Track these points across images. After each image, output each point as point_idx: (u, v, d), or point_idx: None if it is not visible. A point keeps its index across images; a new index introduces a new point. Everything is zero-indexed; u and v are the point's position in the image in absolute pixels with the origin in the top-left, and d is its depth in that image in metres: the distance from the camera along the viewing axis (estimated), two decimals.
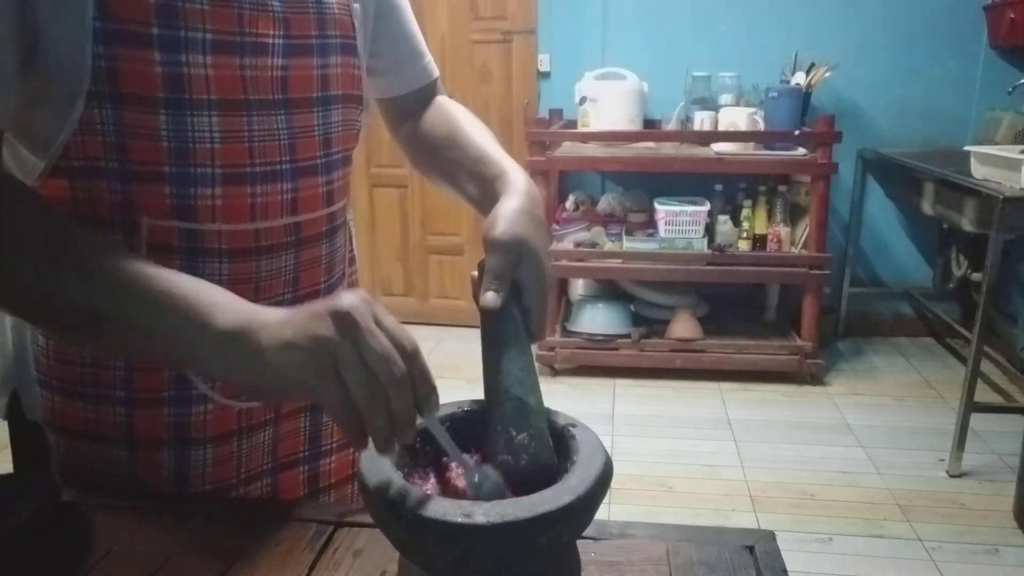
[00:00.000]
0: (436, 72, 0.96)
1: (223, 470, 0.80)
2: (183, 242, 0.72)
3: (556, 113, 3.35)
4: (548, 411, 0.64)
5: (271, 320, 0.58)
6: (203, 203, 0.71)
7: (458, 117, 0.92)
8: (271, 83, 0.73)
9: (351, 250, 0.92)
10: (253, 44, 0.71)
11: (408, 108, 0.94)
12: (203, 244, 0.73)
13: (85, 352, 0.75)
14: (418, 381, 0.55)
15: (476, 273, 0.65)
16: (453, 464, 0.62)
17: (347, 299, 0.55)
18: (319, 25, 0.75)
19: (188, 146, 0.69)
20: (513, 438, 0.60)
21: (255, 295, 0.75)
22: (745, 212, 3.08)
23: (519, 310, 0.65)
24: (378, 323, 0.55)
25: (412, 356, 0.55)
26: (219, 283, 0.69)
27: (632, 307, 3.34)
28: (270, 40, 0.72)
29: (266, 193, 0.75)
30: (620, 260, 3.10)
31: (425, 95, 0.95)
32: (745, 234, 3.09)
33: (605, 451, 0.60)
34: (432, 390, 0.56)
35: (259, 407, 0.81)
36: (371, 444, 0.56)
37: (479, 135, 0.87)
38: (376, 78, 0.91)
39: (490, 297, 0.62)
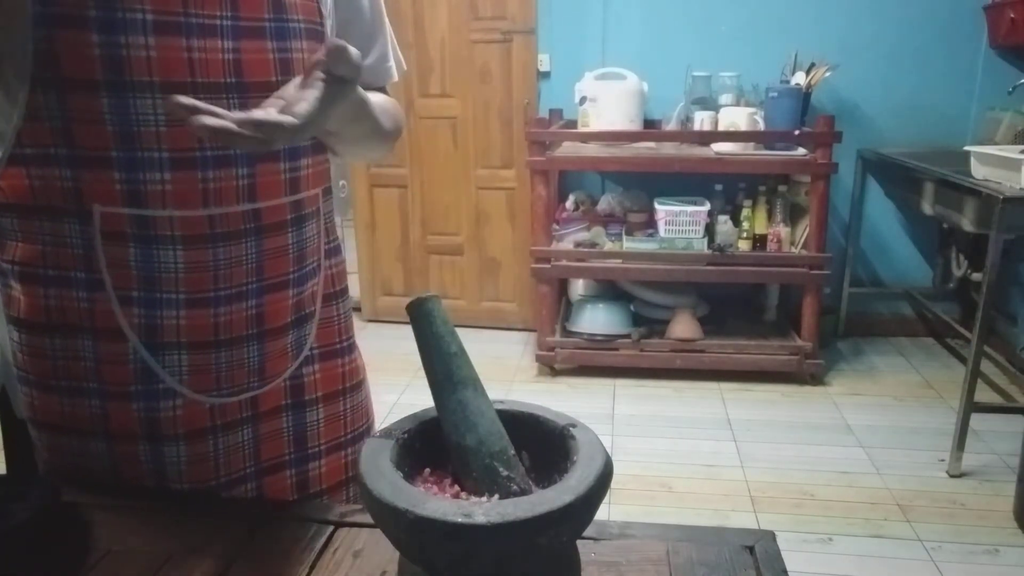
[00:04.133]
0: (395, 76, 0.94)
1: (200, 470, 0.79)
2: (136, 229, 0.71)
3: (556, 113, 3.35)
4: (504, 434, 0.62)
5: None
6: (152, 188, 0.70)
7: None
8: (223, 66, 0.70)
9: (331, 241, 0.89)
10: (199, 25, 0.69)
11: None
12: (156, 231, 0.71)
13: (55, 343, 0.75)
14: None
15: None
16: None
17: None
18: (275, 8, 0.73)
19: (133, 130, 0.68)
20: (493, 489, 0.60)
21: (215, 283, 0.75)
22: (745, 212, 3.08)
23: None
24: None
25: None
26: (174, 270, 0.72)
27: (632, 307, 3.34)
28: (217, 21, 0.70)
29: (219, 178, 0.73)
30: (620, 260, 3.10)
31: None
32: (745, 234, 3.09)
33: (605, 451, 0.60)
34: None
35: (233, 404, 0.79)
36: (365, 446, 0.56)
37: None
38: None
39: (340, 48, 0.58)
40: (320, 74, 0.59)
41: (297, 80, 0.60)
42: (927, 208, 2.98)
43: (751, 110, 3.03)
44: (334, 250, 0.90)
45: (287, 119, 0.55)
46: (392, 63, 0.93)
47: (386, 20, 0.92)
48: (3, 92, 0.68)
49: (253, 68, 0.72)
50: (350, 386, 0.91)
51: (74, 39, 0.65)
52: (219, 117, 0.53)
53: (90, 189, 0.69)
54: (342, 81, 0.60)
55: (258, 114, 0.54)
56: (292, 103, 0.57)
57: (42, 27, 0.64)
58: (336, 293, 0.90)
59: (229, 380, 0.79)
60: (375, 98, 0.79)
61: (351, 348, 0.92)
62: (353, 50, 0.60)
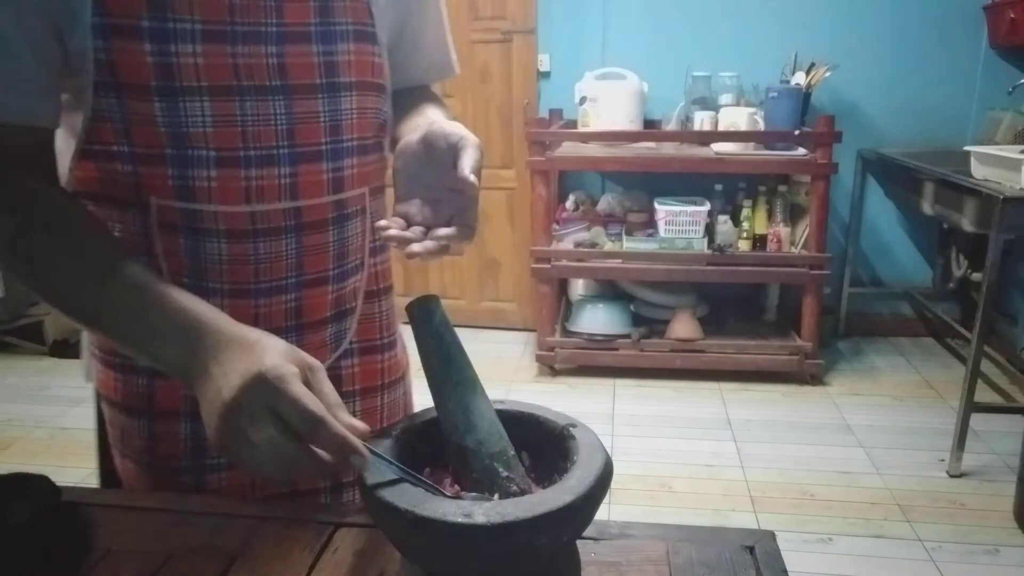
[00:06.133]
0: (455, 71, 0.97)
1: None
2: (185, 222, 0.75)
3: (556, 113, 3.35)
4: (505, 436, 0.63)
5: (206, 375, 0.61)
6: (200, 184, 0.74)
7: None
8: (267, 70, 0.74)
9: (375, 240, 0.90)
10: (244, 32, 0.72)
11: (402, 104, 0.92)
12: (203, 224, 0.76)
13: None
14: (330, 447, 0.56)
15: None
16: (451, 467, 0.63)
17: (269, 361, 0.57)
18: (321, 13, 0.76)
19: (182, 130, 0.72)
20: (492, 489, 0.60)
21: (255, 276, 0.78)
22: (745, 212, 3.08)
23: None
24: (288, 393, 0.56)
25: (315, 424, 0.56)
26: (219, 262, 0.76)
27: (632, 307, 3.34)
28: (263, 28, 0.73)
29: (261, 176, 0.76)
30: (620, 260, 3.10)
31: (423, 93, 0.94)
32: (745, 234, 3.09)
33: (605, 451, 0.60)
34: (351, 451, 0.56)
35: None
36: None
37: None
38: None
39: (471, 177, 0.68)
40: (477, 182, 0.68)
41: (461, 179, 0.68)
42: (927, 208, 2.98)
43: (751, 110, 3.03)
44: (379, 248, 0.91)
45: (466, 231, 0.69)
46: (452, 57, 0.96)
47: (444, 10, 0.93)
48: (72, 95, 0.72)
49: (297, 71, 0.75)
50: (389, 381, 0.93)
51: (129, 48, 0.69)
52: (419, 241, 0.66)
53: (147, 183, 0.74)
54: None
55: (444, 231, 0.68)
56: (458, 210, 0.70)
57: (100, 37, 0.68)
58: (380, 291, 0.91)
59: None
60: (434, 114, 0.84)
61: (392, 344, 0.94)
62: (481, 147, 0.71)
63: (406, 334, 0.97)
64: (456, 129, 0.71)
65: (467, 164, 0.67)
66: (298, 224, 0.79)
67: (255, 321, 0.79)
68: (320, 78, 0.77)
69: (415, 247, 0.66)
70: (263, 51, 0.73)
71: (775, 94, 3.01)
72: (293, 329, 0.82)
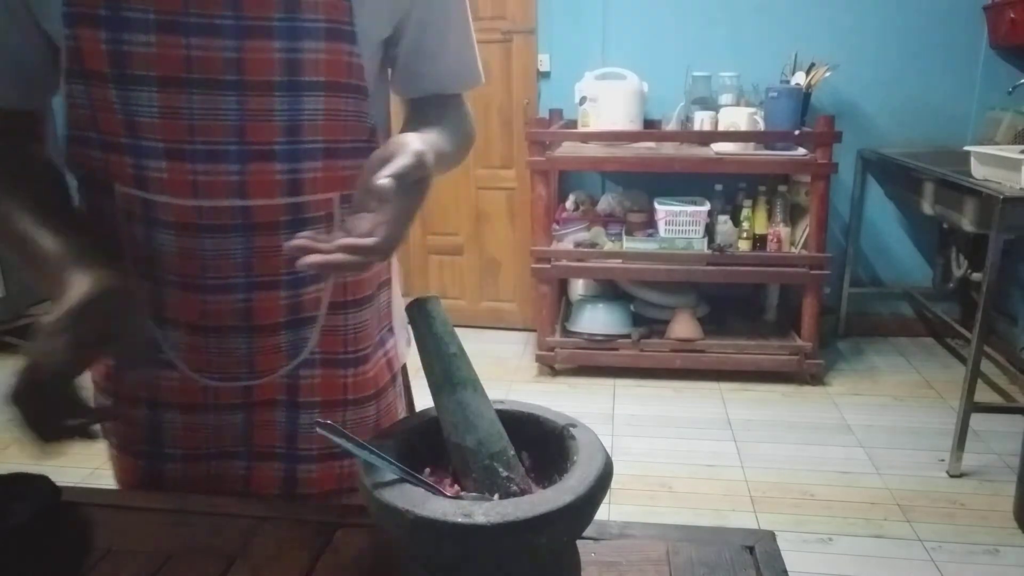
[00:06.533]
0: (480, 80, 0.94)
1: (193, 438, 0.85)
2: (143, 211, 0.77)
3: (556, 113, 3.34)
4: (507, 432, 0.63)
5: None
6: (152, 175, 0.75)
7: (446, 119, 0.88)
8: (221, 63, 0.72)
9: None
10: (199, 24, 0.71)
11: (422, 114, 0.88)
12: (157, 215, 0.77)
13: None
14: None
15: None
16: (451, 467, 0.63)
17: (44, 321, 0.64)
18: (287, 7, 0.72)
19: (135, 120, 0.73)
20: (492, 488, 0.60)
21: (203, 272, 0.78)
22: (745, 212, 3.08)
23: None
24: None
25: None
26: (170, 254, 0.78)
27: (632, 307, 3.34)
28: (218, 20, 0.71)
29: (209, 172, 0.75)
30: (620, 260, 3.10)
31: (447, 103, 0.91)
32: (745, 234, 3.09)
33: (605, 451, 0.60)
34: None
35: (227, 389, 0.84)
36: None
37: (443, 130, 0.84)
38: (402, 76, 0.89)
39: (383, 181, 0.62)
40: (391, 185, 0.62)
41: (371, 184, 0.62)
42: (927, 208, 2.98)
43: (751, 110, 3.03)
44: None
45: (373, 241, 0.63)
46: (478, 66, 0.93)
47: (469, 19, 0.90)
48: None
49: (254, 67, 0.73)
50: (355, 399, 0.88)
51: (88, 35, 0.70)
52: (321, 252, 0.61)
53: (113, 170, 0.76)
54: (418, 183, 0.67)
55: (348, 241, 0.62)
56: (374, 224, 0.64)
57: (67, 25, 0.70)
58: (348, 303, 0.86)
59: (220, 366, 0.82)
60: (439, 136, 0.79)
61: (361, 360, 0.88)
62: (418, 156, 0.65)
63: (402, 350, 0.97)
64: (401, 140, 0.67)
65: (385, 169, 0.63)
66: (247, 224, 0.77)
67: (203, 317, 0.80)
68: (280, 75, 0.73)
69: (309, 259, 0.61)
70: (219, 44, 0.71)
71: (775, 94, 3.01)
72: (244, 330, 0.81)
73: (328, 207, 0.81)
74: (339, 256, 0.61)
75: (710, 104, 3.16)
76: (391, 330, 0.95)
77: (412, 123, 0.86)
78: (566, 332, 3.28)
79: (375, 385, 0.90)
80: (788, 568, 0.63)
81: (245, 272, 0.79)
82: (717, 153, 3.03)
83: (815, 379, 3.12)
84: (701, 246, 3.05)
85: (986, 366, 2.83)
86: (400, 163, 0.64)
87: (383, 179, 0.61)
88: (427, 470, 0.63)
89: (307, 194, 0.79)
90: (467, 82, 0.94)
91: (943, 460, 2.48)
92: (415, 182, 0.66)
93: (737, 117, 3.01)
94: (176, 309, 0.80)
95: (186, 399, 0.83)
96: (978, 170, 2.50)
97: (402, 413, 0.97)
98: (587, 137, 3.20)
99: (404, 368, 1.00)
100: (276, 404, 0.85)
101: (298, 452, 0.87)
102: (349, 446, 0.57)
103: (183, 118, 0.72)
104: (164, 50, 0.71)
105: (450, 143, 0.83)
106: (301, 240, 0.62)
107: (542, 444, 0.65)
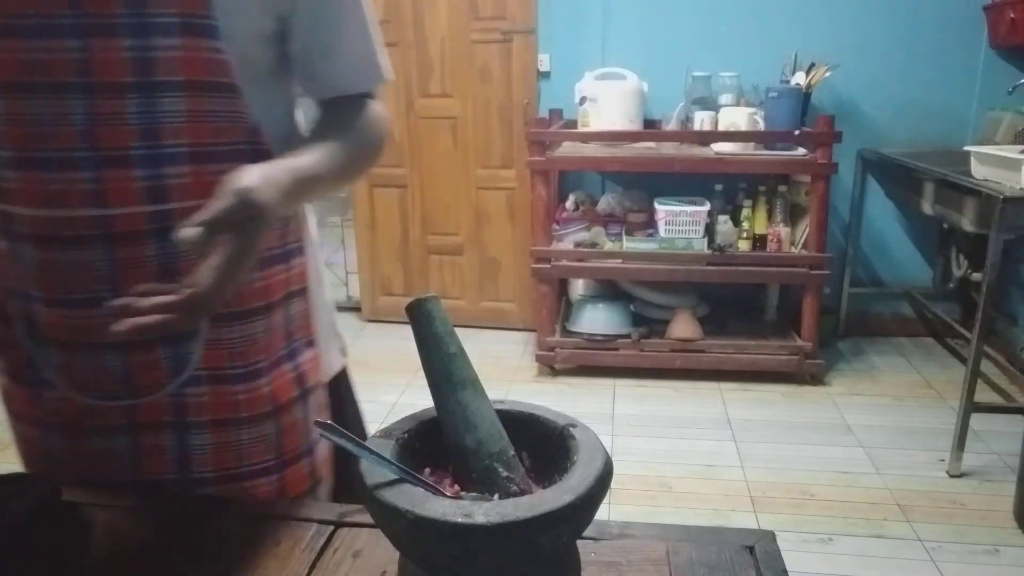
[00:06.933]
0: (384, 77, 0.87)
1: (81, 465, 0.81)
2: (5, 224, 0.75)
3: (556, 113, 3.34)
4: (506, 434, 0.63)
5: None
6: (8, 186, 0.73)
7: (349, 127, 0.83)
8: (67, 65, 0.68)
9: None
10: (37, 26, 0.67)
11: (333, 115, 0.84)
12: (16, 228, 0.74)
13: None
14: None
15: None
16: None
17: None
18: (132, 3, 0.68)
19: None
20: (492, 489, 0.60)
21: (65, 286, 0.74)
22: (745, 212, 3.08)
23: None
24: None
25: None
26: (31, 270, 0.75)
27: (632, 307, 3.34)
28: (58, 21, 0.67)
29: (62, 180, 0.71)
30: (620, 260, 3.10)
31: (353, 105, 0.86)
32: (745, 234, 3.09)
33: (605, 451, 0.60)
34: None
35: (109, 408, 0.79)
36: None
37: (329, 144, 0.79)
38: (302, 77, 0.85)
39: (187, 232, 0.58)
40: (192, 236, 0.58)
41: (177, 235, 0.59)
42: (927, 208, 2.98)
43: (751, 110, 3.03)
44: None
45: (188, 294, 0.60)
46: (381, 61, 0.87)
47: (367, 13, 0.84)
48: None
49: (102, 68, 0.69)
50: (249, 416, 0.82)
51: None
52: (134, 313, 0.58)
53: None
54: (249, 223, 0.63)
55: (160, 300, 0.59)
56: (200, 273, 0.61)
57: None
58: (230, 315, 0.79)
59: (96, 383, 0.78)
60: (321, 153, 0.75)
61: (253, 375, 0.82)
62: (240, 195, 0.62)
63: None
64: (234, 177, 0.63)
65: (197, 216, 0.59)
66: (108, 234, 0.73)
67: (72, 333, 0.75)
68: (132, 76, 0.69)
69: (116, 326, 0.58)
70: (62, 45, 0.68)
71: (775, 94, 3.01)
72: (117, 347, 0.76)
73: None
74: (155, 318, 0.58)
75: (710, 104, 3.16)
76: (310, 343, 0.89)
77: (313, 132, 0.83)
78: (566, 332, 3.28)
79: (272, 401, 0.84)
80: (788, 568, 0.63)
81: (111, 285, 0.73)
82: (717, 153, 3.03)
83: (815, 379, 3.12)
84: (701, 246, 3.05)
85: (986, 366, 2.83)
86: (215, 208, 0.60)
87: (188, 229, 0.58)
88: (427, 470, 0.63)
89: (174, 201, 0.74)
90: (370, 79, 0.87)
91: (943, 460, 2.48)
92: (245, 221, 0.62)
93: (737, 117, 3.01)
94: (47, 326, 0.76)
95: (68, 419, 0.79)
96: (978, 170, 2.50)
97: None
98: (587, 137, 3.20)
99: (344, 375, 0.97)
100: (163, 426, 0.80)
101: (191, 476, 0.81)
102: (349, 446, 0.57)
103: (29, 124, 0.70)
104: (2, 55, 0.68)
105: (340, 156, 0.78)
106: (119, 302, 0.59)
107: (542, 444, 0.65)
